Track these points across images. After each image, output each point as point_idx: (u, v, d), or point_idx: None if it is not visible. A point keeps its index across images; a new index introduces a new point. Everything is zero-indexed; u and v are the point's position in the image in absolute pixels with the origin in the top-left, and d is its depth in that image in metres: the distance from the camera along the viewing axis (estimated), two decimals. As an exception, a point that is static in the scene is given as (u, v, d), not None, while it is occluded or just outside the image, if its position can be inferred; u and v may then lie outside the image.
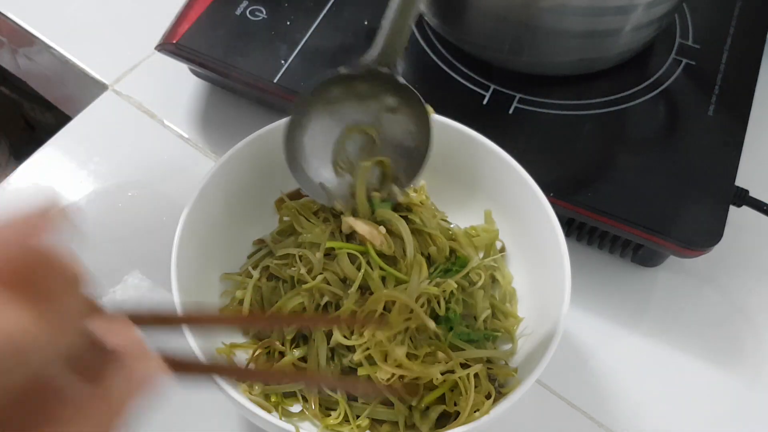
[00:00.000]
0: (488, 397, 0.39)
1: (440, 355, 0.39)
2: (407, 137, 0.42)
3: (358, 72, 0.40)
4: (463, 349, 0.41)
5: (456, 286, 0.41)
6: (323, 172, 0.43)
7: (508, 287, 0.46)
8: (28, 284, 0.18)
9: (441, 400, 0.40)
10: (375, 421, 0.40)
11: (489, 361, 0.41)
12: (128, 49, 0.60)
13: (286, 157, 0.41)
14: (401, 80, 0.39)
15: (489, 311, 0.43)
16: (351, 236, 0.41)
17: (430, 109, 0.42)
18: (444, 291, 0.40)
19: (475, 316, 0.43)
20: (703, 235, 0.46)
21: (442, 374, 0.39)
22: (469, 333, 0.41)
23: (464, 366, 0.40)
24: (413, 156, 0.42)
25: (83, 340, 0.21)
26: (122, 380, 0.21)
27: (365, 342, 0.38)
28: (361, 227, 0.40)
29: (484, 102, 0.52)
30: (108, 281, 0.49)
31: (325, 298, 0.40)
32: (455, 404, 0.39)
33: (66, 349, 0.19)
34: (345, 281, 0.40)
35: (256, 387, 0.40)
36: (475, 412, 0.38)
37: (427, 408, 0.40)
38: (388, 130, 0.42)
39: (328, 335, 0.40)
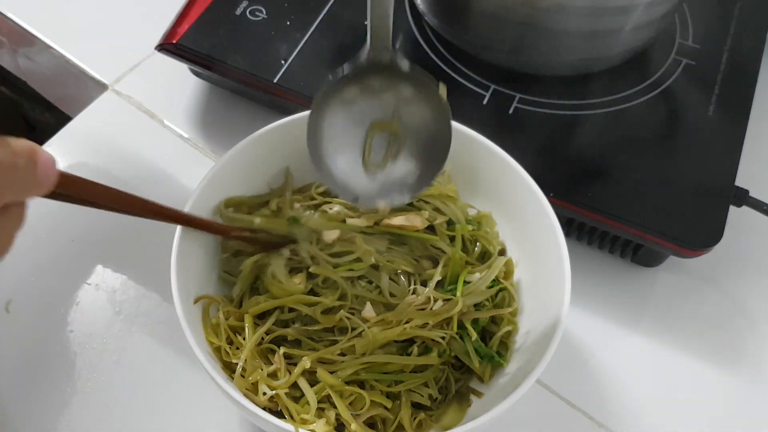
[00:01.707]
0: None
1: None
2: (428, 123, 0.40)
3: (362, 66, 0.39)
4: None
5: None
6: (351, 174, 0.42)
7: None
8: None
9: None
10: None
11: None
12: (128, 49, 0.60)
13: (312, 160, 0.40)
14: (405, 62, 0.39)
15: (510, 329, 0.43)
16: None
17: (442, 87, 0.40)
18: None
19: (494, 332, 0.43)
20: (703, 235, 0.46)
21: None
22: (481, 347, 0.42)
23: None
24: (437, 142, 0.40)
25: None
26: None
27: None
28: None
29: (484, 102, 0.52)
30: (107, 281, 0.49)
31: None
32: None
33: None
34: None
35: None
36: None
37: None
38: (408, 120, 0.41)
39: None
